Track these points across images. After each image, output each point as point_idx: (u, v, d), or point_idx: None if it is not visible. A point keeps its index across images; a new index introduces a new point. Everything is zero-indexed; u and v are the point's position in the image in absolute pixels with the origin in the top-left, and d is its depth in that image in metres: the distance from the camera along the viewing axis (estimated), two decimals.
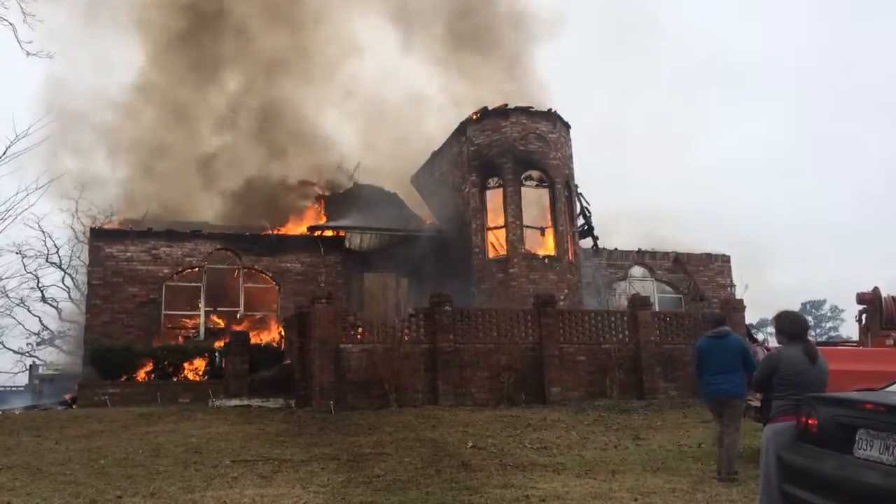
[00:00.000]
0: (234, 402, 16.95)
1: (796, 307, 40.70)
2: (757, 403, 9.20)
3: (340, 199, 26.90)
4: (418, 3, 30.64)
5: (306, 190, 27.30)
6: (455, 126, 24.87)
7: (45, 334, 36.08)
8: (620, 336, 18.37)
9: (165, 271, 22.11)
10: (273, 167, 26.97)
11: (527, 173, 23.11)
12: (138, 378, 19.90)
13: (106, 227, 24.35)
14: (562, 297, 20.83)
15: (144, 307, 21.67)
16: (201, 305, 22.34)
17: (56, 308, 35.36)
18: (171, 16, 27.85)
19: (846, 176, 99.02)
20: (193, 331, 22.17)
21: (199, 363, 20.50)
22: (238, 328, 21.42)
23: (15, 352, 36.10)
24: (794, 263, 76.51)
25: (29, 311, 34.74)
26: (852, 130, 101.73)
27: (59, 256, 34.17)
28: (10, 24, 12.57)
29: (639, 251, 27.14)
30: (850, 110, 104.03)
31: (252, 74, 29.02)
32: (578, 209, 25.11)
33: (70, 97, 28.09)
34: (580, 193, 25.38)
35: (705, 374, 8.82)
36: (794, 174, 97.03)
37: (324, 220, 25.25)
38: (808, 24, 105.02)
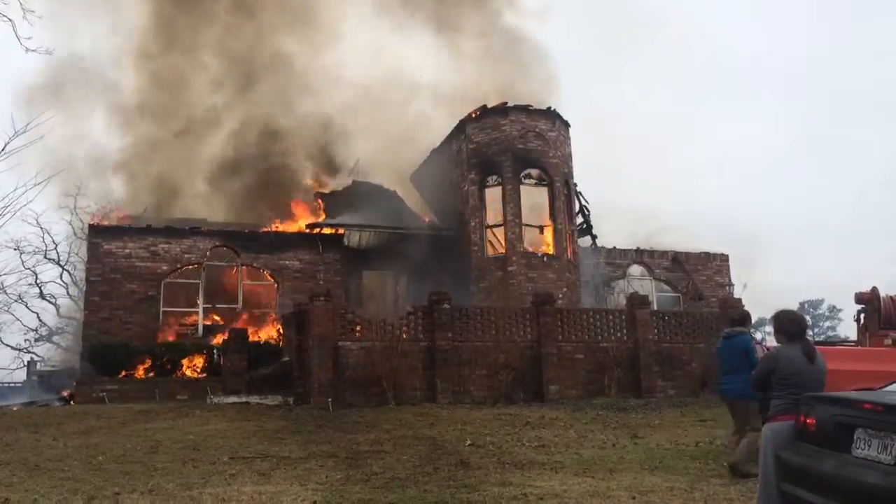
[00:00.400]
0: (233, 399, 16.95)
1: (794, 306, 40.72)
2: None
3: (339, 196, 26.89)
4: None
5: (305, 187, 27.28)
6: (454, 124, 24.89)
7: (43, 330, 36.12)
8: (619, 335, 18.39)
9: (164, 268, 22.09)
10: (271, 164, 26.93)
11: (526, 171, 23.13)
12: (136, 375, 19.90)
13: (104, 223, 24.33)
14: (560, 296, 20.85)
15: (143, 304, 21.64)
16: (200, 302, 22.33)
17: (54, 304, 35.42)
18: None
19: (845, 176, 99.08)
20: (192, 328, 22.15)
21: (198, 360, 20.50)
22: (236, 325, 21.39)
23: (13, 348, 36.12)
24: (793, 263, 76.53)
25: (27, 308, 34.79)
26: (851, 131, 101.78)
27: (58, 253, 34.22)
28: (10, 20, 12.51)
29: (637, 250, 27.16)
30: (850, 111, 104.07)
31: (250, 69, 28.96)
32: (577, 207, 25.14)
33: (65, 84, 28.08)
34: (579, 192, 25.41)
35: (720, 375, 9.05)
36: (793, 174, 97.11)
37: (322, 217, 25.24)
38: (807, 25, 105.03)
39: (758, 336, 22.18)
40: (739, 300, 20.49)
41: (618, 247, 26.96)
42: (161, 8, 28.20)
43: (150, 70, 28.36)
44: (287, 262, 23.11)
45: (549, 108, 23.88)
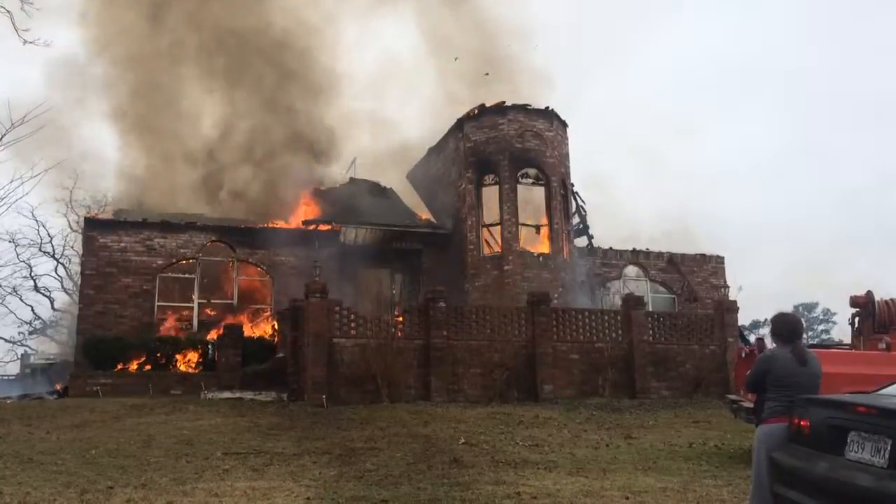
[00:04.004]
0: (227, 394, 16.96)
1: (788, 309, 40.72)
2: (749, 404, 9.23)
3: (336, 193, 26.88)
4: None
5: (302, 184, 27.23)
6: (452, 122, 24.89)
7: (38, 323, 36.07)
8: (613, 335, 18.39)
9: (159, 262, 22.05)
10: (269, 160, 26.90)
11: (523, 171, 23.15)
12: (130, 369, 19.84)
13: (100, 216, 24.27)
14: (556, 296, 20.86)
15: (138, 298, 21.60)
16: (195, 297, 22.29)
17: (49, 297, 35.36)
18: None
19: (840, 179, 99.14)
20: (187, 322, 22.12)
21: (192, 355, 20.45)
22: (231, 321, 21.38)
23: (7, 340, 36.08)
24: (788, 265, 76.72)
25: (21, 300, 34.73)
26: (844, 133, 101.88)
27: (53, 246, 34.18)
28: (8, 11, 12.47)
29: (633, 251, 27.18)
30: (843, 113, 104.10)
31: (250, 67, 28.88)
32: (574, 208, 25.16)
33: (65, 79, 28.01)
34: (576, 192, 25.44)
35: None
36: (787, 176, 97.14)
37: (319, 214, 25.22)
38: (805, 27, 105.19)
39: (752, 338, 22.23)
40: (734, 302, 20.51)
41: (613, 247, 26.99)
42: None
43: (145, 64, 28.28)
44: (283, 259, 23.08)
45: (548, 107, 23.90)
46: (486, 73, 23.90)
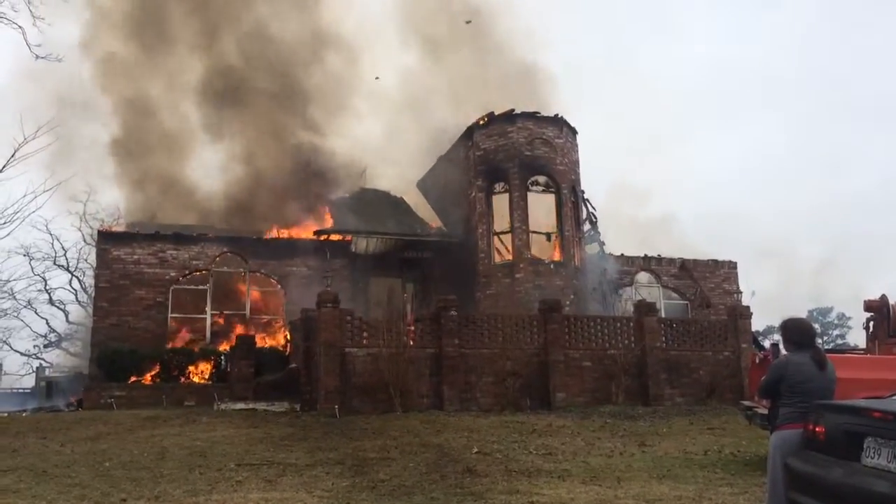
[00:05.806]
0: (240, 405, 16.98)
1: (803, 314, 40.50)
2: (764, 411, 9.15)
3: (347, 203, 26.94)
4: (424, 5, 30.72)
5: (313, 194, 27.32)
6: (462, 131, 24.91)
7: (52, 336, 36.27)
8: (626, 342, 18.30)
9: (172, 274, 22.18)
10: (280, 171, 27.00)
11: (533, 178, 23.14)
12: (144, 381, 19.96)
13: (113, 229, 24.44)
14: (567, 303, 20.81)
15: (151, 310, 21.73)
16: (208, 309, 22.39)
17: (63, 310, 35.58)
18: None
19: (851, 182, 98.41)
20: (200, 334, 22.21)
21: (205, 366, 20.54)
22: (244, 331, 21.44)
23: (22, 354, 36.30)
24: (801, 270, 76.10)
25: (36, 314, 34.99)
26: (856, 136, 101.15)
27: (67, 259, 34.43)
28: (20, 27, 12.63)
29: (645, 257, 27.09)
30: (851, 117, 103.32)
31: (257, 75, 29.05)
32: (585, 214, 25.11)
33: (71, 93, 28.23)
34: (586, 199, 25.39)
35: None
36: (796, 180, 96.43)
37: (330, 224, 25.29)
38: (806, 28, 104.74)
39: (766, 344, 22.07)
40: (747, 308, 20.37)
41: (625, 254, 26.89)
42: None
43: (157, 76, 28.50)
44: (294, 269, 23.16)
45: (557, 114, 23.88)
46: (468, 21, 23.87)
